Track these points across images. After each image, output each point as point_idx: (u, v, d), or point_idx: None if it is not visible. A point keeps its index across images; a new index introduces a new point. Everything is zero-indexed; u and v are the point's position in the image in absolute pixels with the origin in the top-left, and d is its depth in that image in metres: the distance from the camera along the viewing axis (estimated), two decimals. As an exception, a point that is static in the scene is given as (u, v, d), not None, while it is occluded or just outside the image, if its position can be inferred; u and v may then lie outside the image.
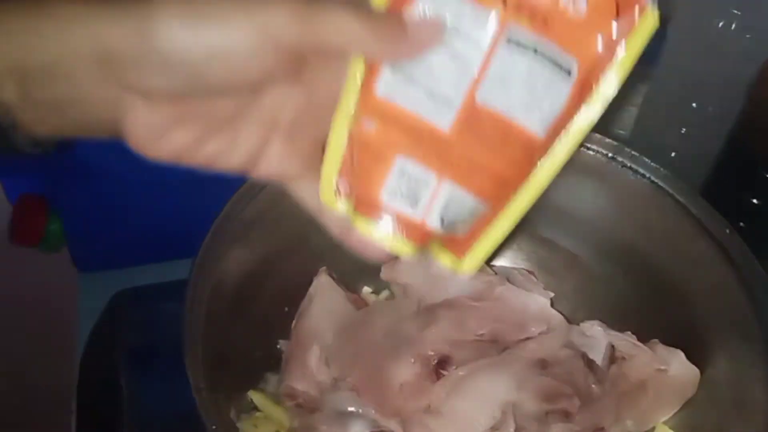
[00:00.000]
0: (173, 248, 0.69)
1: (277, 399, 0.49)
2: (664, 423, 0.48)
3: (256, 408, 0.48)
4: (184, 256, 0.68)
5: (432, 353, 0.46)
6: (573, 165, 0.49)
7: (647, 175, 0.47)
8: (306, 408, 0.47)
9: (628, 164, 0.48)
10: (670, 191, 0.46)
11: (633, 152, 0.47)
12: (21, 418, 0.87)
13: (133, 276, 0.66)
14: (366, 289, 0.55)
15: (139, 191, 0.64)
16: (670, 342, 0.48)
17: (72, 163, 0.62)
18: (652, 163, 0.47)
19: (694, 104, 0.65)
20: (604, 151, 0.48)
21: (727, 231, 0.44)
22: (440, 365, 0.46)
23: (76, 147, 0.60)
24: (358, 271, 0.54)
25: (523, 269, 0.54)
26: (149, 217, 0.66)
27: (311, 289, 0.51)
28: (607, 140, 0.48)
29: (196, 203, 0.64)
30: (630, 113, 0.69)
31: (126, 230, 0.67)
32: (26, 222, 0.66)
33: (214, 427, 0.36)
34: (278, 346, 0.51)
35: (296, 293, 0.52)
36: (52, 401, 0.74)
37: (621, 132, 0.68)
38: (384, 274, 0.53)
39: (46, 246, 0.69)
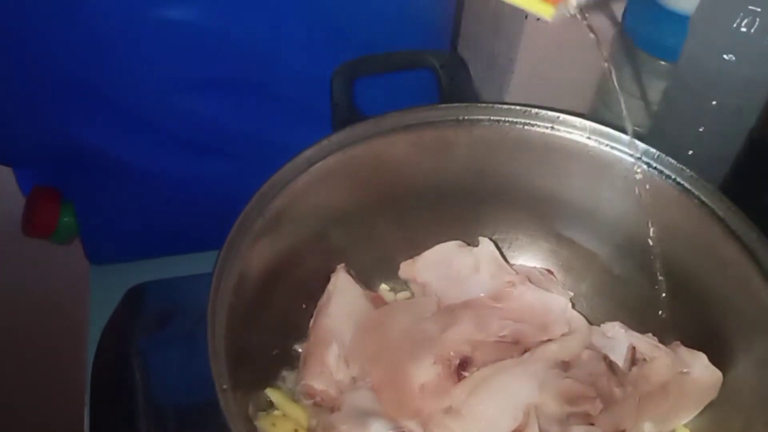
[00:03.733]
0: (186, 242, 0.69)
1: (294, 397, 0.48)
2: (685, 426, 0.48)
3: (272, 406, 0.48)
4: (197, 249, 0.68)
5: (453, 354, 0.46)
6: (595, 164, 0.49)
7: (672, 176, 0.47)
8: (324, 407, 0.47)
9: (654, 165, 0.47)
10: (696, 192, 0.46)
11: (659, 153, 0.47)
12: (34, 411, 0.87)
13: (145, 269, 0.66)
14: (384, 287, 0.54)
15: (153, 183, 0.63)
16: (692, 344, 0.48)
17: (85, 155, 0.61)
18: (677, 164, 0.46)
19: (714, 102, 0.64)
20: (630, 152, 0.47)
21: (754, 233, 0.43)
22: (461, 366, 0.45)
23: (90, 138, 0.60)
24: (377, 268, 0.54)
25: (543, 268, 0.53)
26: (162, 209, 0.66)
27: (329, 287, 0.50)
28: (635, 141, 0.47)
29: (210, 197, 0.64)
30: (647, 111, 0.69)
31: (139, 223, 0.67)
32: (39, 214, 0.66)
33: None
34: (295, 347, 0.51)
35: (314, 290, 0.51)
36: (65, 394, 0.74)
37: (637, 129, 0.68)
38: (402, 273, 0.53)
39: (58, 238, 0.68)
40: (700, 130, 0.66)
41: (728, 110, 0.63)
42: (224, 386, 0.36)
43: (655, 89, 0.67)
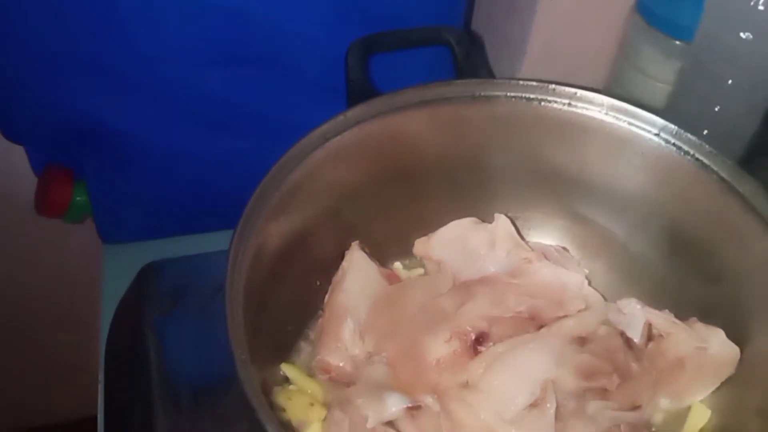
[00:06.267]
0: (198, 221, 0.69)
1: (309, 372, 0.48)
2: (702, 402, 0.47)
3: (288, 381, 0.48)
4: (209, 229, 0.68)
5: (469, 329, 0.45)
6: (612, 140, 0.49)
7: (691, 152, 0.46)
8: (340, 382, 0.47)
9: (672, 141, 0.47)
10: (714, 168, 0.46)
11: (677, 128, 0.46)
12: (48, 389, 0.87)
13: (158, 248, 0.66)
14: (398, 265, 0.54)
15: (166, 161, 0.63)
16: (710, 321, 0.47)
17: (98, 133, 0.61)
18: (696, 140, 0.46)
19: (729, 81, 0.63)
20: (649, 128, 0.47)
21: (774, 208, 0.43)
22: (478, 341, 0.45)
23: (103, 116, 0.60)
24: (391, 246, 0.54)
25: (558, 246, 0.53)
26: (175, 188, 0.66)
27: (344, 263, 0.50)
28: (652, 116, 0.47)
29: (223, 175, 0.64)
30: (662, 90, 0.68)
31: (152, 202, 0.67)
32: (52, 193, 0.66)
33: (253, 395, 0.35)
34: (310, 323, 0.51)
35: (328, 267, 0.51)
36: (78, 371, 0.74)
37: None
38: (417, 250, 0.53)
39: (71, 217, 0.68)
40: (716, 109, 0.65)
41: (744, 89, 0.63)
42: (243, 356, 0.36)
43: (670, 69, 0.66)
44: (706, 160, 0.46)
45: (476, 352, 0.45)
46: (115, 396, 0.59)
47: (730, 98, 0.64)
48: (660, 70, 0.67)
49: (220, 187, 0.64)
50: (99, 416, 0.59)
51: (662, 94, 0.68)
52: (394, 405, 0.43)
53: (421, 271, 0.54)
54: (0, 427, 0.95)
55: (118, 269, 0.64)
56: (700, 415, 0.47)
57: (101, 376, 0.61)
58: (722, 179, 0.45)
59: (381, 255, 0.53)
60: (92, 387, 0.59)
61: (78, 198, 0.67)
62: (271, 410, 0.36)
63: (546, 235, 0.54)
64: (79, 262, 0.75)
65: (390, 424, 0.43)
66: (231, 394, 0.51)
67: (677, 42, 0.65)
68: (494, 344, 0.45)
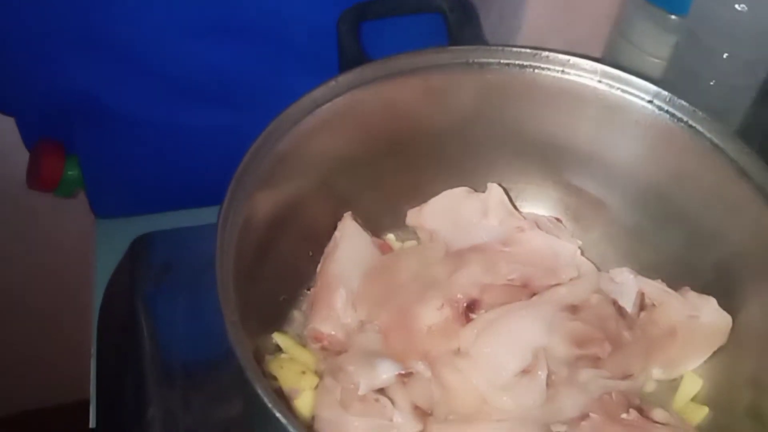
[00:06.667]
0: (191, 196, 0.68)
1: (302, 342, 0.48)
2: (694, 371, 0.47)
3: (280, 350, 0.48)
4: (202, 204, 0.68)
5: (461, 296, 0.45)
6: (605, 108, 0.49)
7: (684, 119, 0.46)
8: (332, 351, 0.47)
9: (665, 108, 0.46)
10: (708, 135, 0.45)
11: (671, 95, 0.46)
12: (41, 363, 0.87)
13: (151, 223, 0.65)
14: (391, 236, 0.54)
15: (157, 135, 0.63)
16: (702, 290, 0.47)
17: (89, 105, 0.61)
18: (689, 106, 0.46)
19: (725, 55, 0.63)
20: (642, 95, 0.47)
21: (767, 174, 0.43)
22: (469, 308, 0.45)
23: (94, 88, 0.59)
24: (384, 217, 0.54)
25: (551, 217, 0.53)
26: (167, 162, 0.65)
27: (337, 233, 0.50)
28: (645, 83, 0.46)
29: (215, 149, 0.63)
30: (657, 65, 0.68)
31: (144, 176, 0.66)
32: (43, 167, 0.66)
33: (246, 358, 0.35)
34: (303, 293, 0.51)
35: (320, 238, 0.51)
36: (72, 352, 0.74)
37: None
38: (410, 220, 0.53)
39: (63, 191, 0.68)
40: (711, 83, 0.65)
41: (740, 62, 0.62)
42: (233, 318, 0.36)
43: (666, 44, 0.66)
44: (699, 127, 0.46)
45: (468, 320, 0.45)
46: (107, 369, 0.59)
47: (725, 72, 0.64)
48: (655, 45, 0.67)
49: (211, 160, 0.63)
50: (91, 389, 0.59)
51: (657, 69, 0.67)
52: (386, 372, 0.43)
53: (414, 242, 0.54)
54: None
55: (111, 244, 0.63)
56: (692, 384, 0.47)
57: (93, 350, 0.61)
58: (716, 146, 0.45)
59: (374, 227, 0.52)
60: (86, 367, 0.59)
61: (70, 172, 0.67)
62: (260, 371, 0.36)
63: (540, 206, 0.54)
64: (72, 238, 0.75)
65: (381, 391, 0.43)
66: (224, 368, 0.51)
67: (672, 16, 0.65)
68: (486, 311, 0.45)
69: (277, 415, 0.33)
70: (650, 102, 0.47)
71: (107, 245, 0.66)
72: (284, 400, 0.44)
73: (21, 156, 0.67)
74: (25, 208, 0.73)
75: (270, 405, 0.33)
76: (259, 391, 0.34)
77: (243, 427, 0.48)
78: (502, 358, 0.43)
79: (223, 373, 0.52)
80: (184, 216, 0.68)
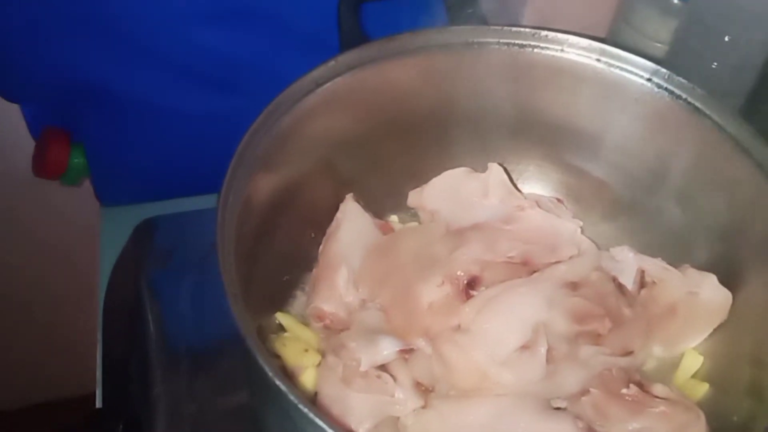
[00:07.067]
0: (196, 182, 0.69)
1: (304, 321, 0.49)
2: (695, 348, 0.47)
3: (283, 329, 0.48)
4: (206, 191, 0.68)
5: (461, 273, 0.46)
6: (605, 87, 0.49)
7: (683, 96, 0.46)
8: (334, 330, 0.47)
9: (664, 85, 0.46)
10: (707, 112, 0.45)
11: (669, 72, 0.46)
12: (47, 350, 0.88)
13: (156, 210, 0.66)
14: (393, 218, 0.54)
15: (162, 121, 0.63)
16: (703, 268, 0.47)
17: (94, 92, 0.61)
18: (688, 83, 0.46)
19: (727, 37, 0.63)
20: (641, 72, 0.47)
21: (767, 150, 0.43)
22: (470, 285, 0.46)
23: (99, 74, 0.60)
24: (385, 199, 0.54)
25: (552, 197, 0.53)
26: (172, 149, 0.66)
27: (338, 214, 0.50)
28: (644, 60, 0.46)
29: (220, 135, 0.64)
30: (659, 50, 0.68)
31: (149, 163, 0.67)
32: (49, 154, 0.66)
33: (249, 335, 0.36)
34: (305, 274, 0.51)
35: (322, 219, 0.51)
36: (77, 337, 0.74)
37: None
38: (411, 201, 0.53)
39: (68, 179, 0.69)
40: (713, 66, 0.65)
41: (741, 44, 0.62)
42: (235, 291, 0.36)
43: (667, 29, 0.66)
44: (698, 104, 0.46)
45: (468, 296, 0.45)
46: (113, 352, 0.60)
47: (727, 55, 0.64)
48: (657, 29, 0.67)
49: (216, 146, 0.64)
50: (98, 370, 0.60)
51: (659, 53, 0.67)
52: (387, 348, 0.43)
53: (416, 224, 0.54)
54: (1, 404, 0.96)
55: (116, 232, 0.64)
56: (693, 361, 0.47)
57: (99, 334, 0.61)
58: (715, 123, 0.45)
59: (376, 209, 0.53)
60: (93, 360, 0.59)
61: (75, 160, 0.68)
62: (262, 344, 0.36)
63: (541, 187, 0.54)
64: (78, 226, 0.75)
65: (383, 367, 0.44)
66: (229, 349, 0.51)
67: (674, 0, 0.65)
68: (486, 288, 0.45)
69: (279, 385, 0.33)
70: (649, 80, 0.47)
71: (112, 233, 0.67)
72: (288, 377, 0.44)
73: (27, 144, 0.68)
74: (31, 196, 0.74)
75: (271, 374, 0.33)
76: (261, 363, 0.34)
77: (247, 404, 0.48)
78: (503, 334, 0.43)
79: (227, 354, 0.52)
80: (188, 203, 0.68)
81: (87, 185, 0.71)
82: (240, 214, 0.42)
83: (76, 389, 0.78)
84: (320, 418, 0.32)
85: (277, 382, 0.33)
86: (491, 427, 0.41)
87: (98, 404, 0.54)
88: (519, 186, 0.54)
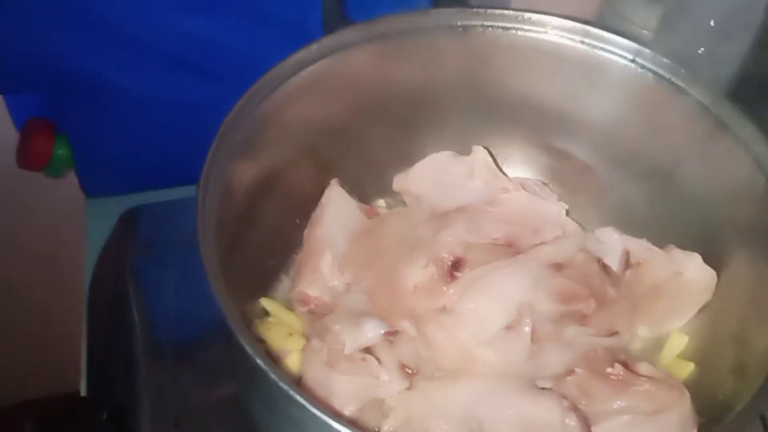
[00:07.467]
0: (181, 173, 0.68)
1: (289, 306, 0.48)
2: (680, 329, 0.48)
3: (267, 314, 0.48)
4: (192, 181, 0.68)
5: (446, 255, 0.45)
6: (589, 69, 0.49)
7: (667, 76, 0.46)
8: (319, 314, 0.47)
9: (648, 66, 0.46)
10: (691, 91, 0.45)
11: (653, 53, 0.46)
12: (32, 341, 0.87)
13: (141, 201, 0.65)
14: (381, 203, 0.54)
15: (146, 110, 0.63)
16: (687, 249, 0.47)
17: (78, 81, 0.61)
18: (671, 63, 0.46)
19: (711, 22, 0.63)
20: (624, 54, 0.47)
21: (750, 128, 0.43)
22: (454, 267, 0.45)
23: (81, 62, 0.59)
24: (371, 184, 0.54)
25: (538, 180, 0.53)
26: (157, 139, 0.65)
27: (323, 199, 0.50)
28: (627, 41, 0.46)
29: (204, 124, 0.63)
30: (645, 37, 0.68)
31: (134, 153, 0.66)
32: (33, 144, 0.66)
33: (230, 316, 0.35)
34: (290, 259, 0.51)
35: (307, 205, 0.51)
36: (61, 328, 0.74)
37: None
38: (396, 185, 0.53)
39: (52, 170, 0.68)
40: (700, 51, 0.65)
41: (727, 29, 0.62)
42: (215, 272, 0.36)
43: (653, 16, 0.66)
44: (682, 84, 0.46)
45: (453, 278, 0.45)
46: (97, 344, 0.59)
47: (713, 39, 0.64)
48: (643, 16, 0.67)
49: (201, 136, 0.64)
50: (82, 364, 0.59)
51: (644, 40, 0.68)
52: (372, 331, 0.43)
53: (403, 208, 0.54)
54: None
55: (101, 223, 0.63)
56: (678, 341, 0.47)
57: (84, 325, 0.61)
58: (699, 103, 0.45)
59: (362, 194, 0.53)
60: (77, 355, 0.59)
61: (59, 151, 0.67)
62: (244, 324, 0.36)
63: (526, 171, 0.54)
64: (63, 218, 0.75)
65: (368, 350, 0.43)
66: (213, 337, 0.51)
67: (660, -13, 0.65)
68: (471, 270, 0.45)
69: (260, 363, 0.33)
70: (633, 61, 0.47)
71: (97, 224, 0.66)
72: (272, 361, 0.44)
73: (11, 136, 0.67)
74: (15, 188, 0.74)
75: (251, 353, 0.33)
76: (242, 343, 0.34)
77: (232, 391, 0.48)
78: (487, 314, 0.43)
79: (212, 342, 0.52)
80: (174, 194, 0.68)
81: (72, 177, 0.70)
82: (221, 198, 0.42)
83: (62, 385, 0.78)
84: (302, 397, 0.32)
85: (258, 361, 0.33)
86: (476, 407, 0.41)
87: (83, 393, 0.54)
88: (504, 169, 0.54)
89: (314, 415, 0.32)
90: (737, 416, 0.36)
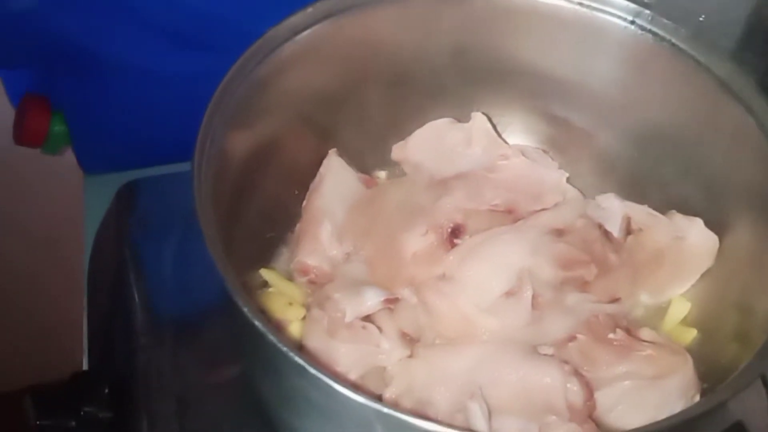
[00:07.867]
0: (179, 148, 0.67)
1: (288, 276, 0.48)
2: (682, 295, 0.47)
3: (267, 285, 0.48)
4: (189, 157, 0.68)
5: (445, 222, 0.45)
6: (587, 32, 0.48)
7: (667, 38, 0.45)
8: (318, 284, 0.47)
9: (648, 27, 0.46)
10: (691, 52, 0.45)
11: (653, 14, 0.45)
12: (32, 319, 0.87)
13: (139, 178, 0.65)
14: (381, 173, 0.54)
15: (144, 85, 0.62)
16: (690, 214, 0.47)
17: (74, 58, 0.60)
18: (672, 24, 0.45)
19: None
20: (623, 15, 0.46)
21: (752, 89, 0.42)
22: (454, 234, 0.45)
23: (78, 40, 0.59)
24: (370, 154, 0.53)
25: (538, 148, 0.52)
26: (154, 114, 0.65)
27: (322, 169, 0.50)
28: (626, 2, 0.46)
29: (201, 98, 0.63)
30: (643, 6, 0.67)
31: (131, 128, 0.66)
32: (29, 120, 0.65)
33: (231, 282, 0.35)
34: (290, 231, 0.50)
35: (306, 176, 0.51)
36: (61, 308, 0.74)
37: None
38: (395, 155, 0.52)
39: (49, 147, 0.68)
40: (701, 18, 0.64)
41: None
42: (211, 233, 0.36)
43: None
44: (683, 45, 0.45)
45: (452, 245, 0.45)
46: (98, 319, 0.59)
47: (713, 7, 0.63)
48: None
49: (198, 111, 0.63)
50: (84, 341, 0.59)
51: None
52: (372, 299, 0.43)
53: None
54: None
55: (100, 200, 0.63)
56: (680, 307, 0.47)
57: (85, 301, 0.61)
58: (700, 63, 0.45)
59: (361, 164, 0.52)
60: (78, 338, 0.59)
61: (56, 128, 0.67)
62: (244, 290, 0.35)
63: (526, 138, 0.53)
64: (61, 195, 0.75)
65: (368, 318, 0.43)
66: (213, 315, 0.51)
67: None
68: (470, 237, 0.45)
69: (259, 326, 0.33)
70: (632, 22, 0.46)
71: (96, 201, 0.66)
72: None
73: (7, 113, 0.67)
74: (12, 165, 0.73)
75: (250, 316, 0.33)
76: (241, 306, 0.34)
77: (232, 364, 0.48)
78: (487, 281, 0.43)
79: (211, 316, 0.51)
80: (172, 170, 0.67)
81: (70, 154, 0.70)
82: (218, 168, 0.42)
83: (64, 368, 0.78)
84: (303, 359, 0.32)
85: (258, 324, 0.33)
86: (478, 374, 0.40)
87: (84, 366, 0.54)
88: (506, 137, 0.53)
89: (316, 378, 0.31)
90: (738, 376, 0.36)
